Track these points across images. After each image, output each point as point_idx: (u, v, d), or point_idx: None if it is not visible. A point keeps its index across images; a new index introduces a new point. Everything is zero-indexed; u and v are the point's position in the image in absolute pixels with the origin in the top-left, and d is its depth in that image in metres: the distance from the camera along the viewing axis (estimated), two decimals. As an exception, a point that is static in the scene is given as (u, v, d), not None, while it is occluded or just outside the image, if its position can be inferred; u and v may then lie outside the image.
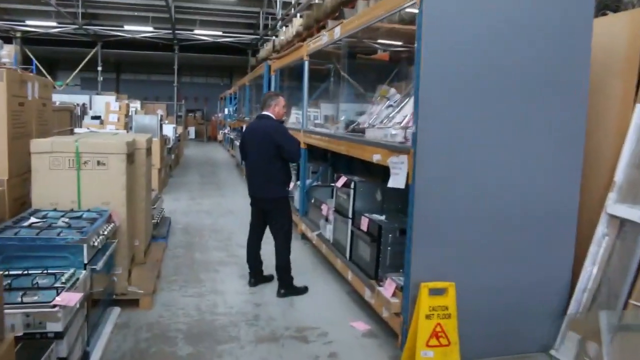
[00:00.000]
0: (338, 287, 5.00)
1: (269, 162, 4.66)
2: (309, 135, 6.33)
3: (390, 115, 5.15)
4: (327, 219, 5.82)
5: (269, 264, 4.98)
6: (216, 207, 8.82)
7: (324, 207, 5.96)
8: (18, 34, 23.13)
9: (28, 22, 22.34)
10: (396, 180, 3.60)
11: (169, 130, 12.74)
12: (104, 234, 3.54)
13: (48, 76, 20.19)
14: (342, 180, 4.97)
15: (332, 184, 7.16)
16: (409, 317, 3.41)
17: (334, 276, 5.25)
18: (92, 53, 24.61)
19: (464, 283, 3.41)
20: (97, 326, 3.57)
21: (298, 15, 15.27)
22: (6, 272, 2.90)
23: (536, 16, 3.48)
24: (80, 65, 24.26)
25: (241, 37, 25.01)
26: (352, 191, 4.75)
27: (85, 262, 3.14)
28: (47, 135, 4.73)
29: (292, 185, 7.14)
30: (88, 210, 3.88)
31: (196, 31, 24.20)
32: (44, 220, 3.55)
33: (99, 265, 3.28)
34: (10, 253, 3.04)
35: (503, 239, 3.55)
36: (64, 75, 26.59)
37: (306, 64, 6.63)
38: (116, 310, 4.06)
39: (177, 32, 23.62)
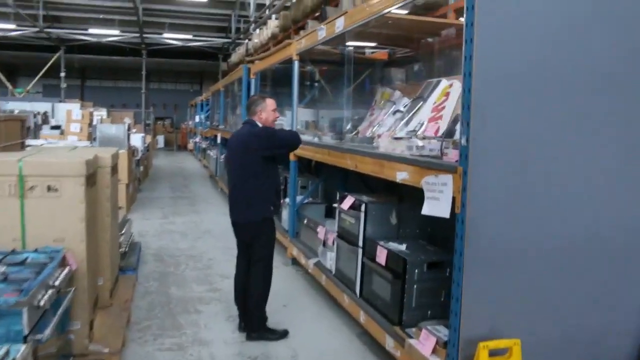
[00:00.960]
0: (347, 328, 4.19)
1: (252, 177, 3.88)
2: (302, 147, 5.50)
3: (403, 123, 4.40)
4: (325, 244, 5.01)
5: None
6: (191, 227, 7.91)
7: (320, 230, 5.15)
8: (-27, 39, 21.75)
9: (-16, 26, 21.00)
10: (435, 207, 2.82)
11: (137, 140, 11.76)
12: (55, 286, 2.66)
13: (7, 83, 18.97)
14: (349, 201, 4.16)
15: (324, 202, 6.41)
16: (459, 386, 2.62)
17: (338, 313, 4.44)
18: (54, 58, 23.24)
19: (529, 338, 2.64)
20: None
21: (273, 16, 14.47)
22: None
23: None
24: (42, 71, 22.86)
25: (212, 41, 24.04)
26: (362, 215, 3.96)
27: (26, 332, 2.26)
28: (-14, 152, 3.82)
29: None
30: (35, 251, 2.98)
31: (165, 35, 23.14)
32: (-28, 269, 2.65)
33: (46, 333, 2.40)
34: None
35: (579, 278, 2.79)
36: (24, 81, 25.09)
37: (296, 64, 5.83)
38: (74, 376, 3.18)
39: (145, 35, 22.51)
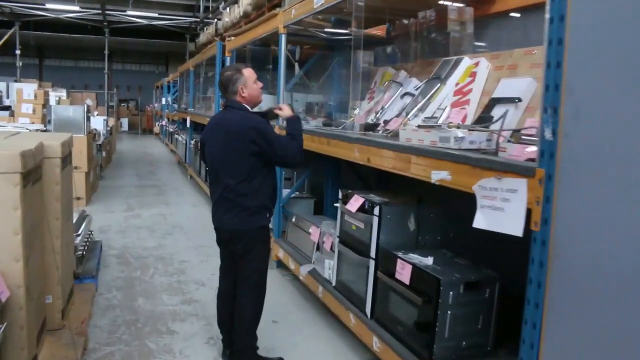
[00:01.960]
0: (353, 354, 3.49)
1: (246, 176, 3.09)
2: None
3: (417, 108, 3.70)
4: (319, 249, 4.30)
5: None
6: (160, 221, 7.07)
7: (313, 231, 4.43)
8: None
9: None
10: (496, 221, 2.12)
11: (98, 123, 10.79)
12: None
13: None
14: (356, 201, 3.44)
15: (312, 196, 5.68)
16: None
17: (340, 333, 3.74)
18: (8, 35, 21.70)
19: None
20: None
21: (246, -7, 13.54)
22: None
23: None
24: (-5, 48, 21.38)
25: (179, 20, 22.81)
26: (375, 219, 3.24)
27: None
28: None
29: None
30: (-51, 276, 2.19)
31: (129, 12, 21.78)
32: None
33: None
34: None
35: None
36: (-25, 59, 23.58)
37: (283, 39, 5.05)
38: None
39: (107, 12, 21.14)
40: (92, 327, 3.66)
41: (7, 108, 8.69)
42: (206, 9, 20.73)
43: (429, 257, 3.01)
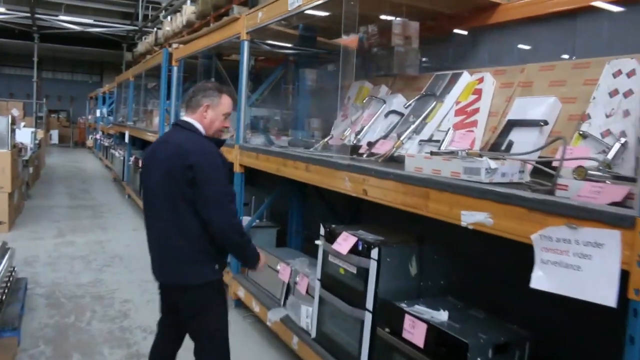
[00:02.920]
0: None
1: (188, 215, 2.44)
2: (255, 156, 4.14)
3: (411, 130, 3.21)
4: (294, 292, 3.71)
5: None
6: (96, 250, 6.24)
7: (283, 269, 3.84)
8: None
9: None
10: (571, 282, 1.62)
11: (25, 135, 9.77)
12: None
13: None
14: (347, 240, 2.87)
15: (274, 225, 5.07)
16: None
17: (320, 394, 3.15)
18: None
19: None
20: None
21: (189, 1, 12.85)
22: None
23: None
24: None
25: (116, 28, 21.68)
26: (373, 264, 2.68)
27: None
28: None
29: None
30: None
31: (61, 17, 20.48)
32: None
33: None
34: None
35: None
36: None
37: (246, 45, 4.45)
38: None
39: (37, 16, 19.75)
40: (13, 397, 2.91)
41: None
42: (145, 17, 19.77)
43: (440, 309, 2.49)
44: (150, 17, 19.24)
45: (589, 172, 1.84)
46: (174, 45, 7.03)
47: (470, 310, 2.62)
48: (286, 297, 3.81)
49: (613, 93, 2.33)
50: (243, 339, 3.93)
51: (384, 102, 3.81)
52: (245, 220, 4.71)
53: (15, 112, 13.04)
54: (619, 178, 1.86)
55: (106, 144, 15.26)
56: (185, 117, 2.64)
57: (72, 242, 6.54)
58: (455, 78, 3.27)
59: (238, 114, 4.58)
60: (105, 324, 4.07)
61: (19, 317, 3.74)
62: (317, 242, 3.17)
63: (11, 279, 4.15)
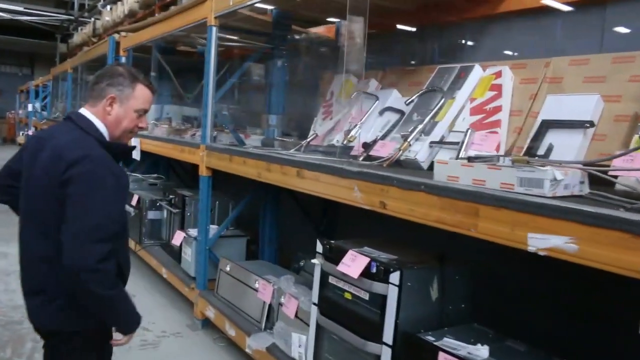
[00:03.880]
0: None
1: (50, 240, 1.89)
2: (243, 160, 3.62)
3: (418, 131, 2.82)
4: (274, 313, 3.25)
5: None
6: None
7: (263, 287, 3.36)
8: None
9: None
10: None
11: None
12: None
13: None
14: (356, 261, 2.42)
15: (242, 233, 4.54)
16: None
17: None
18: None
19: None
20: None
21: (132, -10, 12.04)
22: None
23: None
24: None
25: (49, 17, 20.31)
26: (393, 290, 2.26)
27: None
28: None
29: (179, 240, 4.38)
30: None
31: (-13, 4, 19.01)
32: None
33: None
34: None
35: None
36: None
37: (213, 32, 3.93)
38: None
39: (-41, 2, 18.26)
40: None
41: None
42: (82, 6, 18.60)
43: (478, 344, 2.10)
44: (87, 6, 18.07)
45: None
46: (122, 34, 6.38)
47: (506, 341, 2.24)
48: (267, 320, 3.34)
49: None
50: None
51: (377, 98, 3.40)
52: (213, 229, 4.20)
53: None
54: None
55: (40, 141, 14.17)
56: (84, 110, 2.02)
57: (5, 253, 5.77)
58: (465, 72, 2.90)
59: (205, 109, 4.06)
60: None
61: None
62: (314, 261, 2.71)
63: None
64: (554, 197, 1.73)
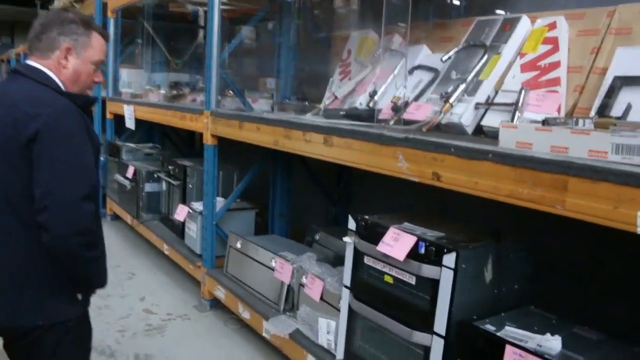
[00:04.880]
0: None
1: (23, 215, 1.63)
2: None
3: (460, 90, 2.50)
4: (290, 293, 2.97)
5: None
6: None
7: (281, 267, 3.07)
8: None
9: None
10: None
11: None
12: None
13: None
14: (402, 241, 2.12)
15: (250, 206, 4.21)
16: None
17: None
18: None
19: None
20: None
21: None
22: None
23: None
24: None
25: (28, -18, 19.47)
26: (447, 274, 1.96)
27: None
28: None
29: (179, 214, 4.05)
30: None
31: (-38, -33, 18.10)
32: None
33: None
34: None
35: None
36: None
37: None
38: None
39: None
40: None
41: None
42: (62, -31, 17.80)
43: (547, 333, 1.82)
44: (68, -31, 17.33)
45: None
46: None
47: (573, 327, 1.98)
48: (286, 302, 3.05)
49: None
50: (230, 352, 3.17)
51: (401, 54, 3.07)
52: (219, 202, 3.88)
53: None
54: None
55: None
56: (31, 62, 1.73)
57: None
58: (511, 24, 2.57)
59: (208, 71, 3.69)
60: None
61: None
62: (345, 239, 2.41)
63: None
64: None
